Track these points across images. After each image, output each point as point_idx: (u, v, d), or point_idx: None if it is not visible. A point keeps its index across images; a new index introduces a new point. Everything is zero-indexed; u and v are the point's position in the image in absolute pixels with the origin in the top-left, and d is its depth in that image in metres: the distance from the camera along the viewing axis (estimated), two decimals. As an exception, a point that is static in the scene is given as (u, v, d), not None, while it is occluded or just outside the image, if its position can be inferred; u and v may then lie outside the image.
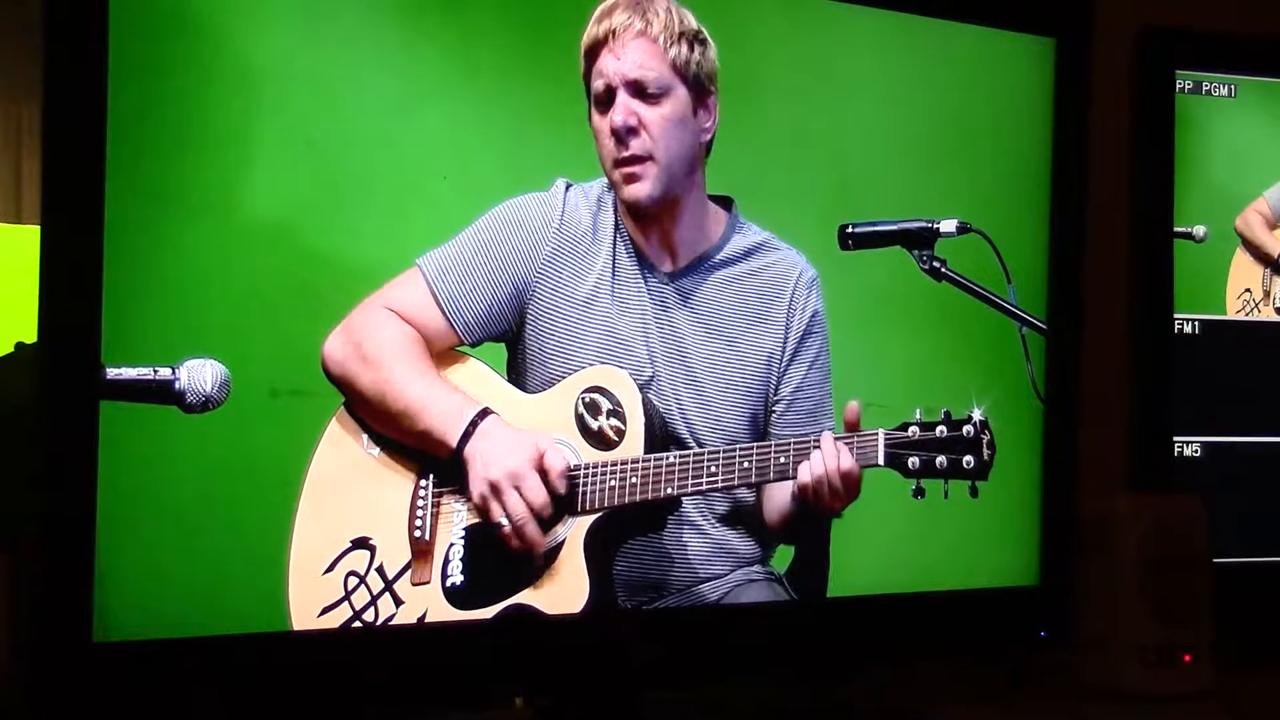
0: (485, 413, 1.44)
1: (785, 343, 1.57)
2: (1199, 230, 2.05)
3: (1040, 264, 1.76)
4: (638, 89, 1.48)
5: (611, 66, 1.47)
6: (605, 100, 1.48)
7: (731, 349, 1.55)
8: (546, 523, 1.46)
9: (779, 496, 1.56)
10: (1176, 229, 2.05)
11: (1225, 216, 2.07)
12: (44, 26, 1.24)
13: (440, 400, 1.44)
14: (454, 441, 1.43)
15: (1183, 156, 2.05)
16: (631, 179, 1.49)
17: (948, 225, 1.64)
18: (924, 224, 1.64)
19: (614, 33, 1.47)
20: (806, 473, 1.50)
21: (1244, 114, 2.08)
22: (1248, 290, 2.08)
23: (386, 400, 1.42)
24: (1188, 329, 2.05)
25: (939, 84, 1.70)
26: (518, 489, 1.44)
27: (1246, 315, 2.08)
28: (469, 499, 1.45)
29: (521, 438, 1.45)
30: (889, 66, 1.67)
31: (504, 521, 1.44)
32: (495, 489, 1.44)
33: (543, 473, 1.45)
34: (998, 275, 1.68)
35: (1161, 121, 2.05)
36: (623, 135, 1.48)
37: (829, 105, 1.63)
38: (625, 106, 1.47)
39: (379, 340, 1.41)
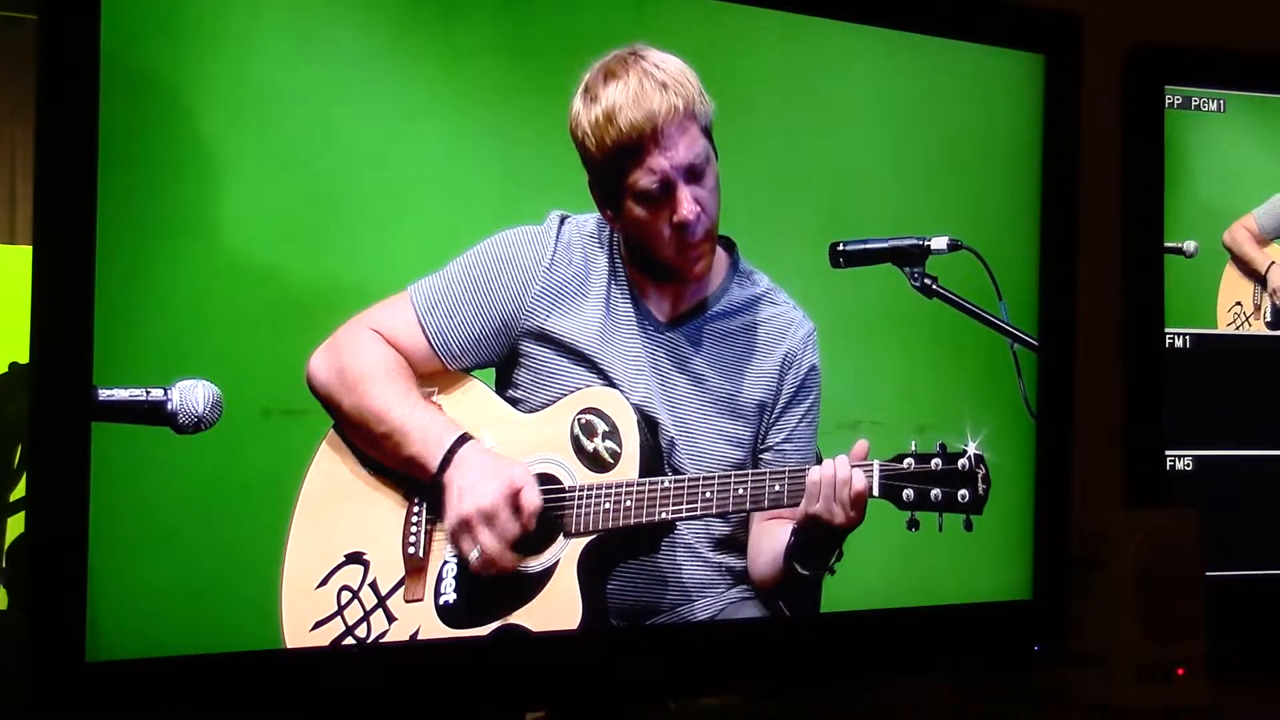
0: (464, 439, 1.44)
1: (779, 394, 1.56)
2: (1189, 245, 2.06)
3: (1031, 280, 1.76)
4: (691, 174, 1.45)
5: (665, 162, 1.44)
6: (659, 195, 1.45)
7: (725, 399, 1.54)
8: (537, 545, 1.46)
9: (768, 547, 1.55)
10: (1167, 244, 2.05)
11: (1215, 231, 2.07)
12: (37, 48, 1.25)
13: (421, 425, 1.43)
14: (434, 467, 1.43)
15: (1173, 171, 2.06)
16: (698, 260, 1.49)
17: (939, 243, 1.65)
18: (915, 241, 1.65)
19: (658, 128, 1.43)
20: (817, 474, 1.49)
21: (1233, 129, 2.09)
22: (1238, 304, 2.08)
23: (369, 424, 1.42)
24: (1179, 343, 2.05)
25: (929, 101, 1.71)
26: (487, 526, 1.43)
27: (1237, 329, 2.08)
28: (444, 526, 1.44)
29: (498, 469, 1.44)
30: (879, 84, 1.68)
31: (471, 557, 1.43)
32: (466, 524, 1.43)
33: (517, 509, 1.44)
34: (989, 292, 1.68)
35: (1151, 137, 2.05)
36: (693, 226, 1.46)
37: (819, 122, 1.64)
38: (691, 197, 1.45)
39: (362, 363, 1.41)
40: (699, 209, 1.46)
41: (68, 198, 1.25)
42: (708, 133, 1.48)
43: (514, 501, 1.44)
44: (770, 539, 1.55)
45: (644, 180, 1.44)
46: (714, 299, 1.55)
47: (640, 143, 1.43)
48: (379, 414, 1.42)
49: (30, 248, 1.27)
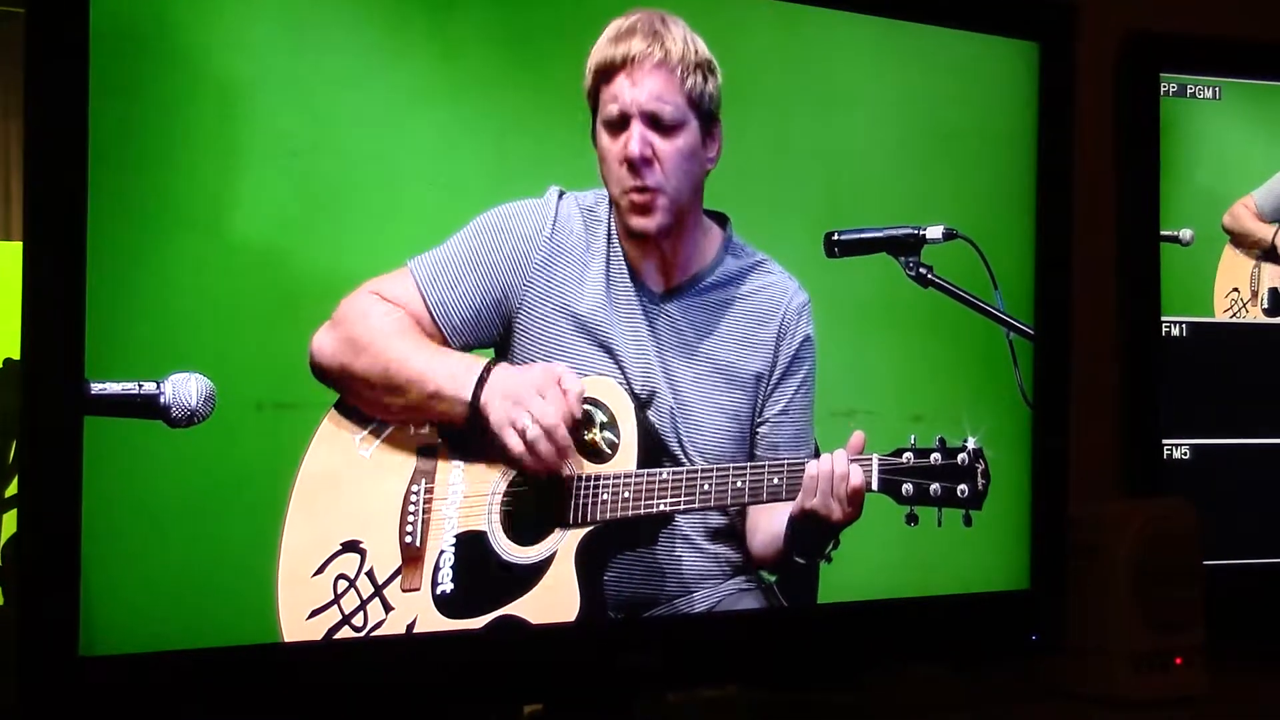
0: (495, 361, 1.45)
1: (774, 365, 1.57)
2: (1186, 233, 2.06)
3: (1027, 269, 1.76)
4: (653, 120, 1.47)
5: (628, 94, 1.47)
6: (618, 125, 1.47)
7: (720, 370, 1.55)
8: (534, 535, 1.46)
9: (766, 527, 1.55)
10: (1163, 232, 2.05)
11: (1212, 219, 2.07)
12: (25, 42, 1.24)
13: (445, 363, 1.44)
14: (468, 394, 1.43)
15: (1168, 159, 2.06)
16: (642, 210, 1.49)
17: (934, 232, 1.64)
18: (910, 230, 1.64)
19: (632, 59, 1.47)
20: (814, 468, 1.50)
21: (1229, 116, 2.09)
22: (1235, 290, 2.08)
23: (390, 374, 1.42)
24: (1175, 331, 2.05)
25: (924, 89, 1.70)
26: (543, 398, 1.43)
27: (1234, 315, 2.08)
28: (489, 441, 1.43)
29: (536, 367, 1.46)
30: (874, 72, 1.67)
31: (531, 427, 1.43)
32: (521, 402, 1.43)
33: (562, 389, 1.45)
34: (984, 281, 1.68)
35: (1147, 125, 2.05)
36: (637, 166, 1.47)
37: (815, 112, 1.63)
38: (641, 138, 1.47)
39: (371, 323, 1.40)
40: (650, 152, 1.47)
41: (58, 191, 1.25)
42: (696, 105, 1.49)
43: (559, 383, 1.45)
44: (768, 519, 1.55)
45: (608, 106, 1.47)
46: (707, 271, 1.55)
47: (611, 71, 1.47)
48: (399, 363, 1.42)
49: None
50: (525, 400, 1.44)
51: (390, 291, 1.42)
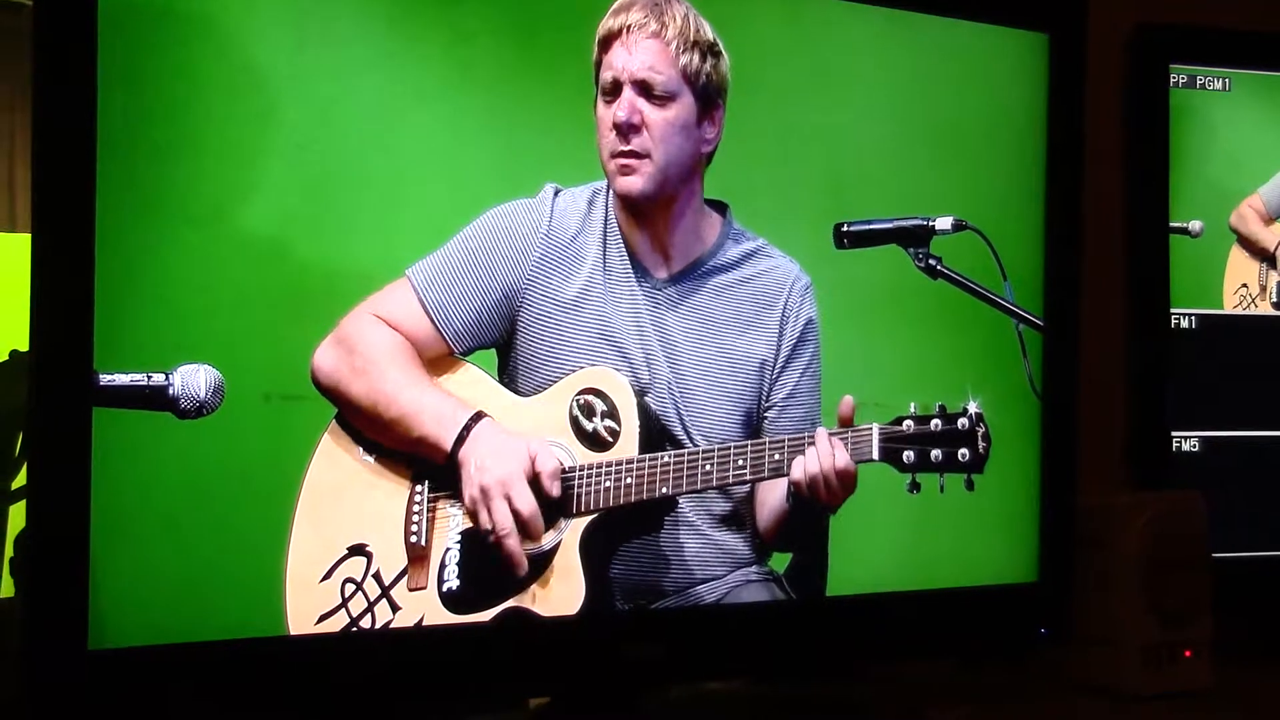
0: (478, 416, 1.44)
1: (779, 350, 1.57)
2: (1195, 225, 2.05)
3: (1036, 260, 1.75)
4: (644, 89, 1.49)
5: (621, 61, 1.48)
6: (611, 92, 1.49)
7: (724, 355, 1.55)
8: (540, 527, 1.46)
9: (771, 502, 1.55)
10: (1172, 224, 2.05)
11: (1221, 211, 2.07)
12: (33, 34, 1.24)
13: (433, 405, 1.44)
14: (448, 446, 1.43)
15: (1178, 151, 2.05)
16: (626, 170, 1.49)
17: (943, 223, 1.64)
18: (919, 222, 1.64)
19: (628, 28, 1.49)
20: (800, 469, 1.50)
21: (1239, 107, 2.08)
22: (1244, 285, 2.07)
23: (379, 408, 1.42)
24: (1184, 324, 2.05)
25: (933, 81, 1.70)
26: (507, 498, 1.44)
27: (1243, 310, 2.08)
28: (462, 504, 1.45)
29: (514, 442, 1.45)
30: (882, 63, 1.67)
31: (490, 530, 1.44)
32: (485, 496, 1.44)
33: (535, 477, 1.45)
34: (994, 272, 1.67)
35: (1156, 116, 2.05)
36: (624, 130, 1.48)
37: (822, 103, 1.63)
38: (630, 103, 1.48)
39: (370, 348, 1.41)
40: (639, 119, 1.48)
41: (67, 183, 1.25)
42: (691, 82, 1.50)
43: (532, 469, 1.45)
44: (772, 494, 1.55)
45: (604, 74, 1.49)
46: (708, 256, 1.55)
47: (610, 40, 1.49)
48: (389, 397, 1.42)
49: (29, 235, 1.26)
50: (492, 497, 1.44)
51: (390, 310, 1.42)
